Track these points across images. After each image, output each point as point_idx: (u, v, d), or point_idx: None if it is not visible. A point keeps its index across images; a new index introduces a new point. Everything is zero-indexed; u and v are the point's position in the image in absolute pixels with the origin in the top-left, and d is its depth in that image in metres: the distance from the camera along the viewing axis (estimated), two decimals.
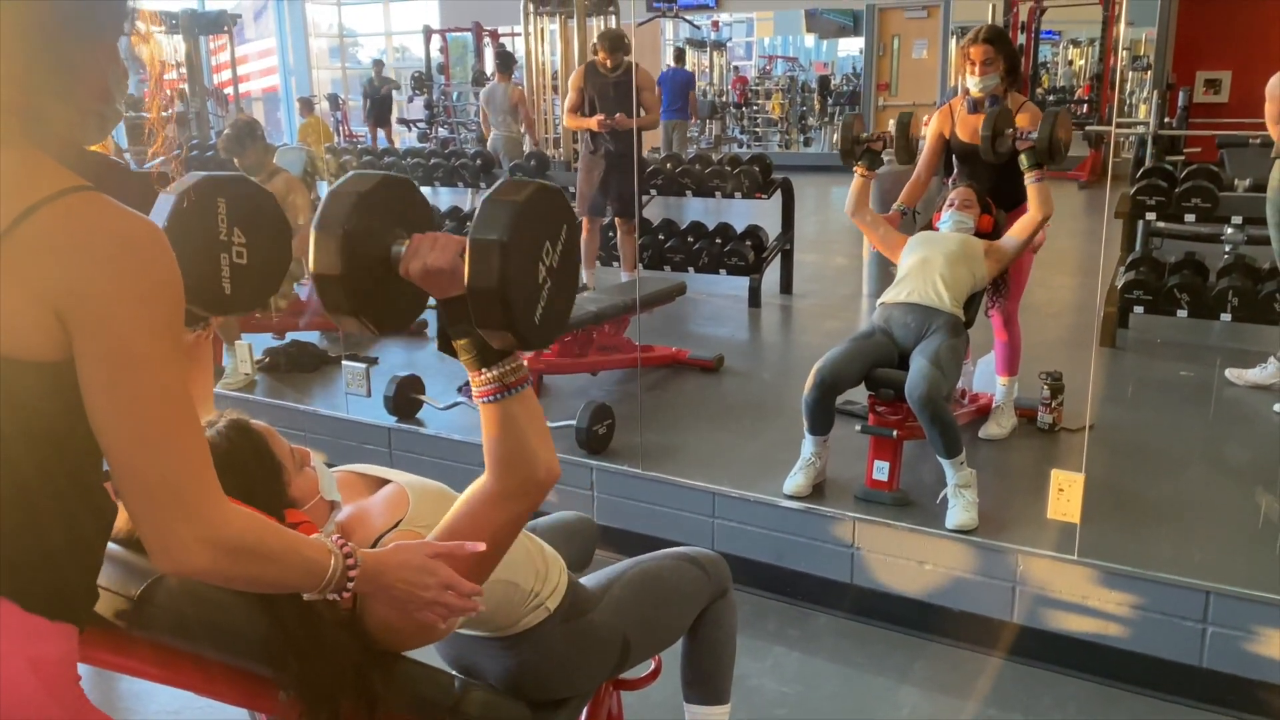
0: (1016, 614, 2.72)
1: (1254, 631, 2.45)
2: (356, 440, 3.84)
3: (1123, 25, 10.45)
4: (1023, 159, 3.24)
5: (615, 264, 5.81)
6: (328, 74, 12.75)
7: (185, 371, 1.03)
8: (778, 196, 5.93)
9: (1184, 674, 2.52)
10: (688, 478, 3.23)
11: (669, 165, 6.23)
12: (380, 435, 3.79)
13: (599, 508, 3.32)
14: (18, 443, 0.99)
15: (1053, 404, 3.62)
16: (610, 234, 5.87)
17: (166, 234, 1.31)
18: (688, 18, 13.10)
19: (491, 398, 1.28)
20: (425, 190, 7.25)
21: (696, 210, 7.39)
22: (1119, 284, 4.65)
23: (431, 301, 1.30)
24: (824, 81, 15.20)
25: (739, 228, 5.89)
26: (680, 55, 10.68)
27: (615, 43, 5.38)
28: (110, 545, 1.20)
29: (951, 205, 3.42)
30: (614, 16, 7.90)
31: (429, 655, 1.53)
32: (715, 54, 15.39)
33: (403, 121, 13.05)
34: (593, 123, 5.28)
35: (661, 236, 6.00)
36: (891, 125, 3.68)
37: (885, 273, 4.54)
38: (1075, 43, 14.44)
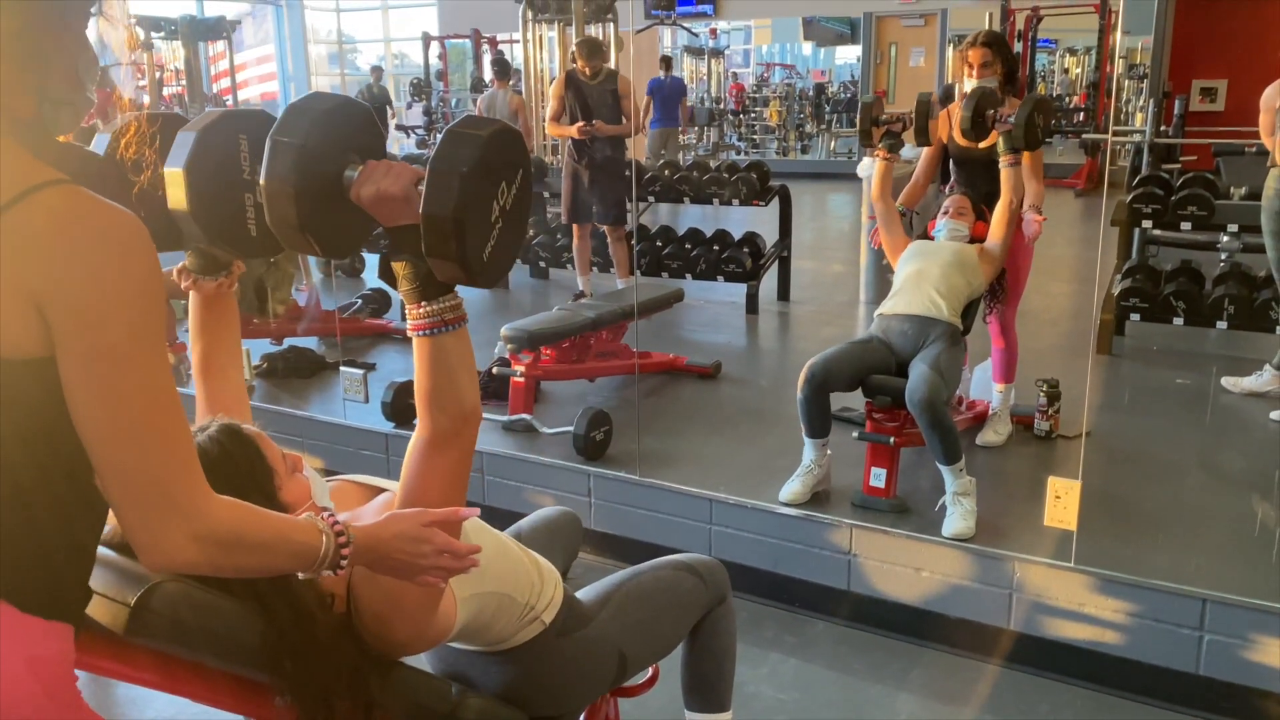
0: (1013, 621, 2.72)
1: (1250, 639, 2.45)
2: (353, 446, 3.83)
3: (1119, 34, 10.46)
4: (1000, 143, 3.23)
5: (612, 270, 5.82)
6: (327, 80, 12.78)
7: (168, 364, 1.02)
8: (775, 203, 5.94)
9: (1180, 681, 2.52)
10: (685, 484, 3.23)
11: (667, 172, 6.24)
12: (378, 441, 3.79)
13: (596, 514, 3.32)
14: (10, 442, 0.98)
15: (1049, 411, 3.63)
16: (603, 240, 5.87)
17: (187, 173, 1.28)
18: (686, 25, 13.09)
19: (427, 331, 1.29)
20: None
21: (694, 217, 7.40)
22: (1115, 292, 4.66)
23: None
24: (820, 89, 15.23)
25: (736, 234, 5.91)
26: (668, 63, 10.58)
27: (593, 49, 5.43)
28: (102, 550, 1.20)
29: (946, 213, 3.43)
30: (612, 24, 7.92)
31: (424, 668, 1.52)
32: (713, 61, 15.42)
33: (401, 128, 13.05)
34: (573, 130, 5.32)
35: (659, 243, 6.01)
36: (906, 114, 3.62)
37: (883, 280, 4.54)
38: (1071, 51, 14.48)
